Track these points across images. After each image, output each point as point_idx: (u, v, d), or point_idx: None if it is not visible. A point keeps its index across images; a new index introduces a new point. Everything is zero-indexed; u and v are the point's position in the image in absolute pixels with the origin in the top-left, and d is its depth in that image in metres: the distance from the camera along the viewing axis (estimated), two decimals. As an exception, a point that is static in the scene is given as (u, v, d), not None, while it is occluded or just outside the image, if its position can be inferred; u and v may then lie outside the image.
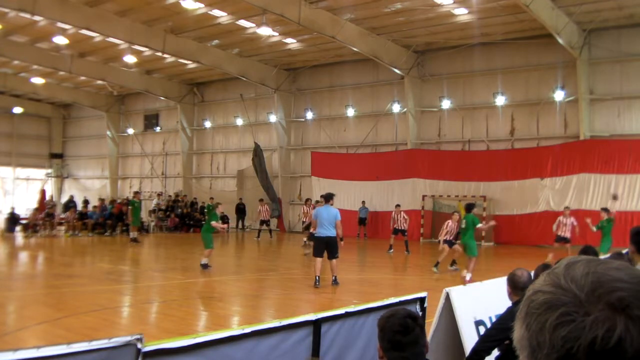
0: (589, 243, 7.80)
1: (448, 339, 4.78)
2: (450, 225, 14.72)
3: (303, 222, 21.48)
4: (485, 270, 16.18)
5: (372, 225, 25.51)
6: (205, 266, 14.45)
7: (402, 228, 19.22)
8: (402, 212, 19.48)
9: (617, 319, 0.74)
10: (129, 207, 23.54)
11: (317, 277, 12.16)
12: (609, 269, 0.81)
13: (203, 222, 29.52)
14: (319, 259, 12.19)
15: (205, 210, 29.53)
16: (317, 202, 21.49)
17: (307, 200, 21.92)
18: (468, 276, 12.49)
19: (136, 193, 26.13)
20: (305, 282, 12.81)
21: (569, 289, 0.79)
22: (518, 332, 0.84)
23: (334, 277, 12.23)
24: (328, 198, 12.58)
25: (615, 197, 18.61)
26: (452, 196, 23.76)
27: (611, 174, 20.42)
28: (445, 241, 14.77)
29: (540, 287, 0.83)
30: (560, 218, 16.35)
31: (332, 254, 12.12)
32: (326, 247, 12.11)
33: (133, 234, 23.02)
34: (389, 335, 2.70)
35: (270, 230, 25.12)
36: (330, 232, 12.03)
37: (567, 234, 15.91)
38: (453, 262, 14.98)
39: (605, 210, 15.66)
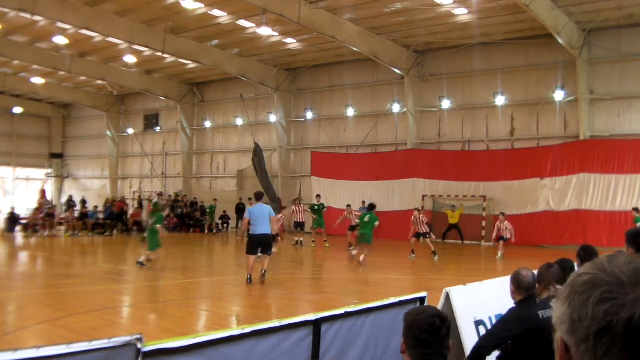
0: (588, 242, 7.85)
1: (448, 339, 4.78)
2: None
3: (295, 222, 21.77)
4: (485, 270, 16.22)
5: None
6: (142, 264, 14.39)
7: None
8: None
9: None
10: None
11: (249, 275, 12.20)
12: None
13: (203, 222, 29.66)
14: (252, 257, 12.27)
15: (208, 210, 29.61)
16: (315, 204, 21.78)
17: (295, 200, 22.75)
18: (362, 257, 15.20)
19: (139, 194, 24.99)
20: (305, 282, 12.82)
21: (612, 272, 0.87)
22: (559, 310, 0.91)
23: (263, 272, 12.21)
24: (259, 196, 12.93)
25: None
26: (452, 196, 23.74)
27: (611, 174, 20.41)
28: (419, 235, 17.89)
29: (584, 270, 0.91)
30: (498, 224, 18.35)
31: (266, 251, 12.35)
32: (260, 244, 12.26)
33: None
34: (416, 333, 2.69)
35: None
36: (264, 230, 12.21)
37: (507, 235, 18.09)
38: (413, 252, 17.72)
39: (636, 210, 17.35)
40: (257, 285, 13.06)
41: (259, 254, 12.39)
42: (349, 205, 21.63)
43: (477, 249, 21.60)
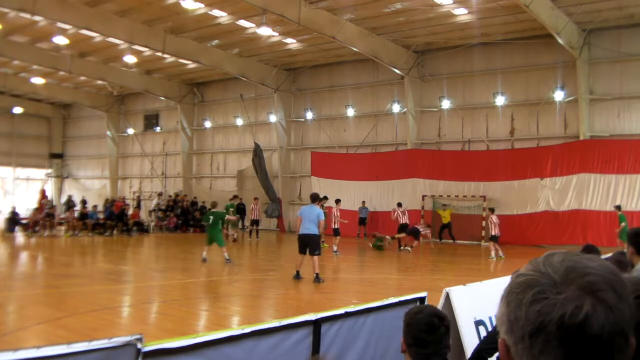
0: (588, 242, 7.85)
1: (448, 339, 4.77)
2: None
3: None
4: (485, 270, 16.22)
5: (372, 225, 25.49)
6: (229, 260, 15.91)
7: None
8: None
9: (585, 299, 0.83)
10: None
11: (296, 272, 12.90)
12: (583, 258, 0.90)
13: (203, 222, 29.46)
14: (300, 256, 12.88)
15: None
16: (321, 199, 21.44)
17: (337, 200, 21.16)
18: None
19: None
20: (305, 282, 12.82)
21: (546, 272, 0.89)
22: (500, 310, 0.94)
23: (315, 274, 12.63)
24: (315, 199, 13.42)
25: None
26: (452, 196, 23.74)
27: (611, 174, 20.41)
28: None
29: (522, 271, 0.93)
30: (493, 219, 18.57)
31: (312, 251, 12.73)
32: (304, 244, 12.74)
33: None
34: (414, 332, 2.71)
35: (257, 231, 24.92)
36: (309, 231, 12.67)
37: (496, 231, 18.22)
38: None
39: (618, 207, 18.32)
40: (257, 285, 13.09)
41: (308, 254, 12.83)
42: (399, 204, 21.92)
43: (477, 249, 21.59)
